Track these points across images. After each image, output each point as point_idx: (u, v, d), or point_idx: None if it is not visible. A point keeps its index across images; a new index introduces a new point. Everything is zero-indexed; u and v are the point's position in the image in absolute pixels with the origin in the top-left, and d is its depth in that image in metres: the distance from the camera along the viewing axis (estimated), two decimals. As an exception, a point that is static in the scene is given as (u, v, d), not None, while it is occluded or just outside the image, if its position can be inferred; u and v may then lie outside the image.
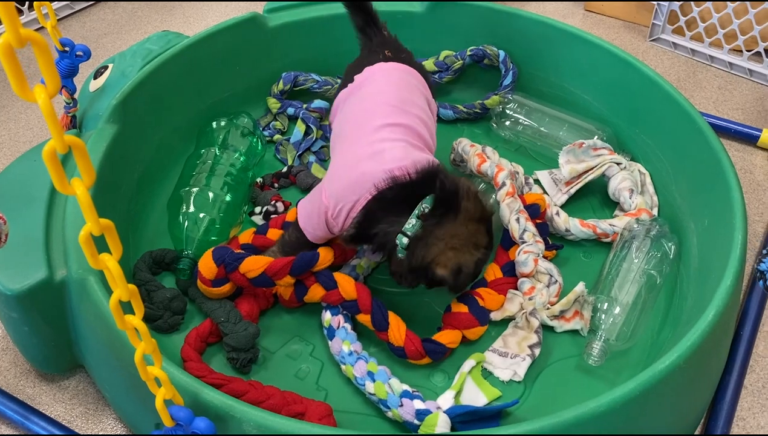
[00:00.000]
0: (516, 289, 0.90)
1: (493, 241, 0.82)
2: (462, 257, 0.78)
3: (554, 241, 0.97)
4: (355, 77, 0.92)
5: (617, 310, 0.84)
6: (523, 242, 0.91)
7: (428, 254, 0.77)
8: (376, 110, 0.86)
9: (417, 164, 0.79)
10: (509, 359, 0.83)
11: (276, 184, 1.08)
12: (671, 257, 0.90)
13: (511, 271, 0.91)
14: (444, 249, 0.77)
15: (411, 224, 0.77)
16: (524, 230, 0.92)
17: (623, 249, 0.91)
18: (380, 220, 0.79)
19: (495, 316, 0.88)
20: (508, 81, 1.17)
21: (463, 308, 0.86)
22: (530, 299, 0.88)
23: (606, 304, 0.84)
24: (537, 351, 0.84)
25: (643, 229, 0.92)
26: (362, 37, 1.00)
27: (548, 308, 0.87)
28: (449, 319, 0.86)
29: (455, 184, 0.79)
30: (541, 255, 0.91)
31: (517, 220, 0.92)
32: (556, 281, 0.90)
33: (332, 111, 0.95)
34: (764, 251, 0.74)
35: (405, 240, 0.77)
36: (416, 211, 0.77)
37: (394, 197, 0.78)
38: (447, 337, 0.84)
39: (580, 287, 0.87)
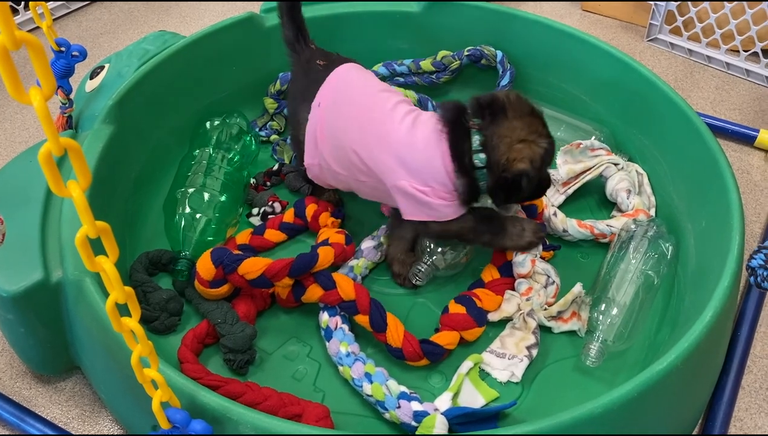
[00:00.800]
0: (513, 289, 0.90)
1: (550, 133, 0.83)
2: (533, 148, 0.80)
3: (552, 241, 0.97)
4: (322, 93, 0.89)
5: (615, 311, 0.84)
6: None
7: (501, 153, 0.80)
8: (377, 100, 0.86)
9: (443, 105, 0.83)
10: (507, 360, 0.83)
11: (268, 183, 1.08)
12: (668, 257, 0.90)
13: (507, 271, 0.91)
14: (513, 143, 0.80)
15: (476, 140, 0.80)
16: None
17: (621, 250, 0.91)
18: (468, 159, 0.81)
19: (492, 317, 0.87)
20: (505, 81, 1.16)
21: (461, 309, 0.86)
22: (527, 299, 0.88)
23: (603, 305, 0.84)
24: (534, 352, 0.84)
25: (641, 230, 0.92)
26: (292, 53, 0.98)
27: (546, 309, 0.87)
28: (447, 320, 0.85)
29: (489, 95, 0.82)
30: (538, 256, 0.91)
31: None
32: (554, 281, 0.89)
33: (308, 136, 0.90)
34: (756, 248, 0.74)
35: (482, 155, 0.80)
36: (471, 130, 0.80)
37: (456, 134, 0.80)
38: (445, 338, 0.83)
39: (578, 288, 0.87)
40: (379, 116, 0.85)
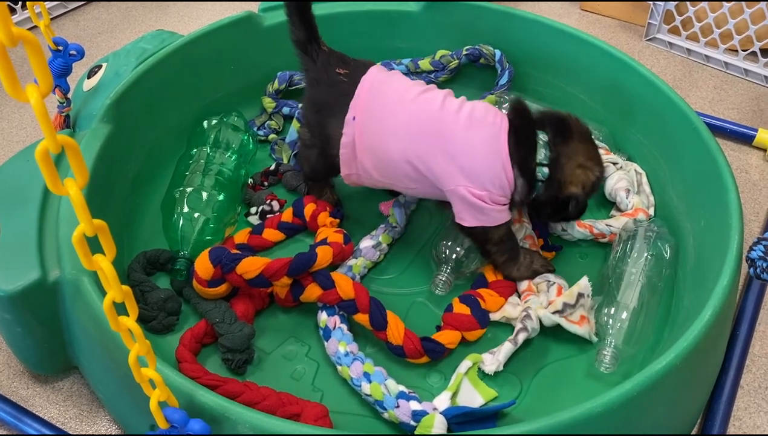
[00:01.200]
0: (518, 291, 0.90)
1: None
2: (587, 175, 0.84)
3: (552, 241, 0.97)
4: (355, 106, 0.85)
5: (624, 314, 0.83)
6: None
7: (562, 174, 0.83)
8: (421, 104, 0.84)
9: (512, 104, 0.85)
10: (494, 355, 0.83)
11: (266, 183, 1.08)
12: (668, 258, 0.90)
13: None
14: (573, 168, 0.84)
15: (542, 154, 0.83)
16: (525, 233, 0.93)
17: (623, 251, 0.90)
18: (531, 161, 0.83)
19: (493, 316, 0.87)
20: (504, 80, 1.16)
21: (466, 310, 0.85)
22: (526, 302, 0.87)
23: (612, 309, 0.84)
24: (520, 338, 0.83)
25: (641, 230, 0.91)
26: (303, 56, 0.92)
27: (548, 306, 0.86)
28: (450, 319, 0.85)
29: (557, 113, 0.86)
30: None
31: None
32: (554, 282, 0.89)
33: (344, 151, 0.87)
34: (755, 239, 0.74)
35: (546, 170, 0.83)
36: (541, 143, 0.83)
37: (523, 139, 0.83)
38: (447, 337, 0.83)
39: (584, 281, 0.85)
40: (429, 121, 0.83)
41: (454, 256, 0.91)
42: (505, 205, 0.83)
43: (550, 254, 0.95)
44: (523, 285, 0.89)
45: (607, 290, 0.87)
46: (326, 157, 0.90)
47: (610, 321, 0.83)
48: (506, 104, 1.13)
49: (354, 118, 0.85)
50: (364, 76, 0.87)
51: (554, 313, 0.84)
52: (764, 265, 0.73)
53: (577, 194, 0.84)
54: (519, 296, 0.90)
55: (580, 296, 0.85)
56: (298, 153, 1.01)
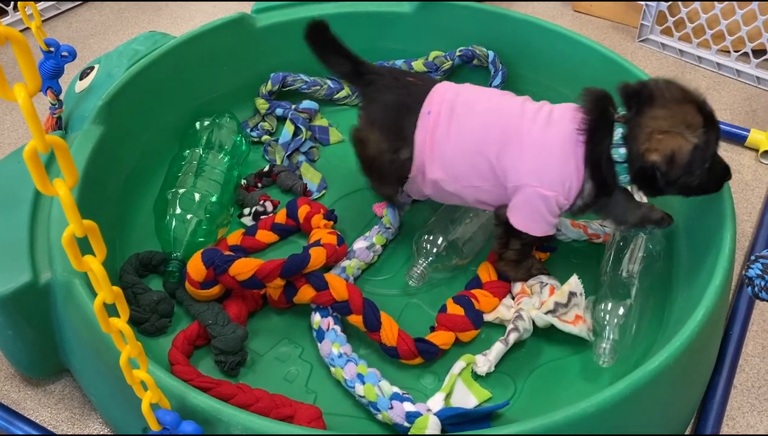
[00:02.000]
0: (511, 292, 0.90)
1: (713, 122, 0.77)
2: (673, 141, 0.75)
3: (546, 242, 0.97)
4: (430, 102, 0.85)
5: (621, 310, 0.83)
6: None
7: (638, 145, 0.76)
8: (501, 103, 0.85)
9: (587, 95, 0.81)
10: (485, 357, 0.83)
11: (259, 185, 1.07)
12: (659, 259, 0.90)
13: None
14: (650, 134, 0.75)
15: (617, 133, 0.78)
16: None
17: (616, 252, 0.90)
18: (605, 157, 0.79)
19: (486, 317, 0.87)
20: (497, 81, 1.16)
21: (460, 311, 0.85)
22: (519, 303, 0.87)
23: (610, 304, 0.84)
24: (512, 338, 0.83)
25: (634, 231, 0.91)
26: (359, 80, 0.91)
27: (541, 306, 0.86)
28: (444, 320, 0.85)
29: (639, 82, 0.79)
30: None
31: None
32: (547, 283, 0.88)
33: (417, 146, 0.85)
34: (752, 257, 0.74)
35: (622, 150, 0.78)
36: (615, 124, 0.78)
37: (596, 132, 0.79)
38: (440, 338, 0.83)
39: (574, 279, 0.85)
40: (506, 118, 0.83)
41: (434, 250, 0.91)
42: (559, 215, 0.83)
43: (545, 254, 0.95)
44: (517, 288, 0.89)
45: (602, 289, 0.87)
46: (397, 163, 0.87)
47: (607, 317, 0.83)
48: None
49: (429, 113, 0.84)
50: (436, 83, 0.87)
51: (547, 313, 0.83)
52: (762, 283, 0.72)
53: (656, 162, 0.75)
54: (513, 298, 0.90)
55: (572, 294, 0.84)
56: (365, 171, 0.93)
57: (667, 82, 0.79)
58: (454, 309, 0.86)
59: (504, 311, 0.87)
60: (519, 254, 0.88)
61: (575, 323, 0.84)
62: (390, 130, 0.87)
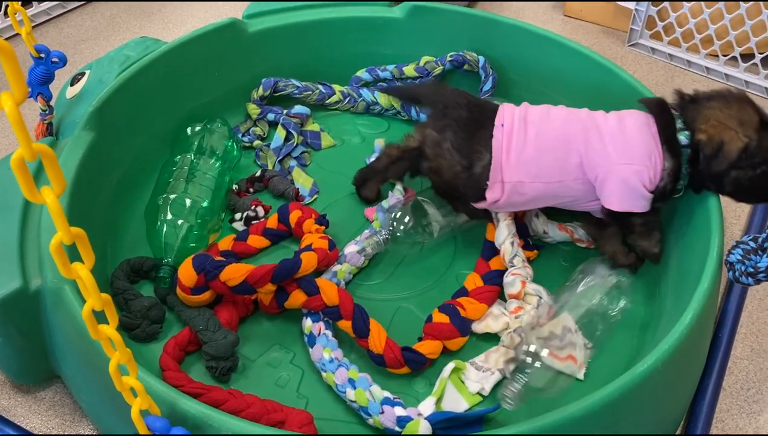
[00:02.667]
0: (498, 297, 0.90)
1: None
2: (726, 133, 0.82)
3: (534, 242, 0.98)
4: (502, 115, 0.90)
5: (545, 352, 0.77)
6: (512, 266, 0.90)
7: (697, 126, 0.84)
8: (568, 111, 0.92)
9: (644, 101, 0.90)
10: (482, 372, 0.83)
11: (251, 190, 1.07)
12: (615, 313, 0.86)
13: (491, 280, 0.91)
14: (708, 118, 0.83)
15: (678, 122, 0.86)
16: (515, 255, 0.91)
17: (573, 287, 0.87)
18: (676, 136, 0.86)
19: (476, 328, 0.87)
20: (488, 87, 1.17)
21: (445, 319, 0.85)
22: (516, 317, 0.86)
23: (534, 346, 0.78)
24: (511, 367, 0.81)
25: (600, 276, 0.88)
26: (427, 107, 0.98)
27: (535, 328, 0.84)
28: (430, 329, 0.85)
29: (693, 91, 0.88)
30: (529, 279, 0.89)
31: (512, 243, 0.92)
32: (547, 303, 0.87)
33: (495, 156, 0.88)
34: (733, 243, 0.75)
35: (687, 132, 0.85)
36: (676, 115, 0.86)
37: (664, 119, 0.86)
38: (428, 347, 0.83)
39: (570, 320, 0.84)
40: (581, 119, 0.89)
41: (402, 227, 0.93)
42: (652, 193, 0.86)
43: (532, 253, 0.95)
44: (512, 306, 0.87)
45: (540, 328, 0.81)
46: (474, 178, 0.90)
47: (529, 360, 0.77)
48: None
49: (502, 125, 0.89)
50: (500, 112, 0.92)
51: (539, 338, 0.80)
52: (742, 268, 0.74)
53: (702, 141, 0.83)
54: (504, 307, 0.89)
55: (566, 329, 0.82)
56: (443, 196, 0.96)
57: (720, 90, 0.87)
58: (440, 318, 0.86)
59: (492, 323, 0.87)
60: (645, 236, 0.90)
61: (564, 360, 0.81)
62: (464, 147, 0.90)
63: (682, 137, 0.85)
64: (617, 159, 0.85)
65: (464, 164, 0.90)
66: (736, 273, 0.74)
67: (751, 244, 0.74)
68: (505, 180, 0.88)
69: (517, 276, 0.88)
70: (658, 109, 0.87)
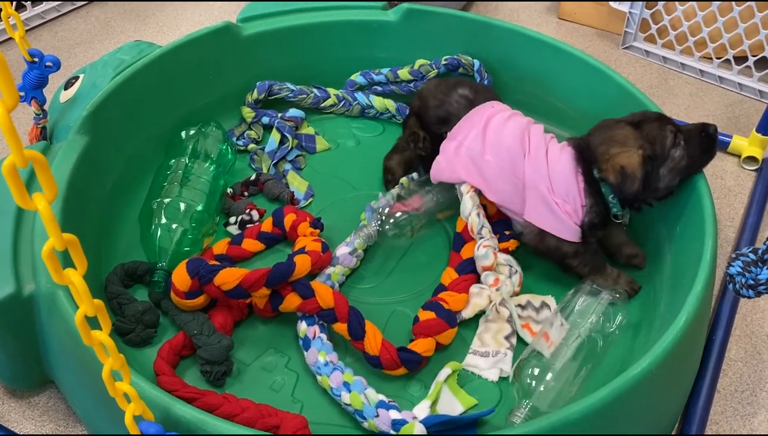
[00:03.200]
0: (478, 282, 0.91)
1: (652, 126, 0.88)
2: (619, 157, 0.86)
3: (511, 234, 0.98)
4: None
5: (549, 375, 0.78)
6: (481, 238, 0.92)
7: (596, 158, 0.88)
8: (515, 120, 0.96)
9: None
10: (491, 357, 0.84)
11: (246, 193, 1.07)
12: (615, 327, 0.86)
13: (465, 269, 0.92)
14: (600, 154, 0.88)
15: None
16: (482, 226, 0.93)
17: (569, 306, 0.87)
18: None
19: (467, 313, 0.88)
20: (482, 89, 1.17)
21: (431, 315, 0.86)
22: (497, 289, 0.88)
23: (538, 369, 0.78)
24: (514, 340, 0.85)
25: (594, 294, 0.87)
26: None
27: (513, 295, 0.89)
28: (419, 328, 0.85)
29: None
30: (497, 249, 0.92)
31: (478, 215, 0.93)
32: (516, 270, 0.91)
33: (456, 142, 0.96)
34: (733, 255, 0.75)
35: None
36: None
37: (583, 154, 0.90)
38: (422, 346, 0.83)
39: (551, 300, 0.89)
40: (523, 134, 0.94)
41: (392, 220, 0.95)
42: (574, 222, 0.89)
43: (511, 243, 0.95)
44: (490, 279, 0.89)
45: (534, 349, 0.81)
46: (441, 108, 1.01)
47: (534, 383, 0.77)
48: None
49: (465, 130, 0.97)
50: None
51: (517, 306, 0.86)
52: (743, 280, 0.73)
53: (605, 175, 0.87)
54: (482, 281, 0.91)
55: (545, 305, 0.86)
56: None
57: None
58: (426, 315, 0.86)
59: (479, 300, 0.88)
60: (585, 265, 0.91)
61: (534, 335, 0.85)
62: (445, 90, 1.03)
63: (595, 172, 0.89)
64: (541, 180, 0.89)
65: (440, 99, 1.01)
66: (737, 285, 0.73)
67: (751, 256, 0.73)
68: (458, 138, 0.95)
69: (489, 248, 0.90)
70: (577, 150, 0.90)
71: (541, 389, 0.77)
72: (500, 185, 0.92)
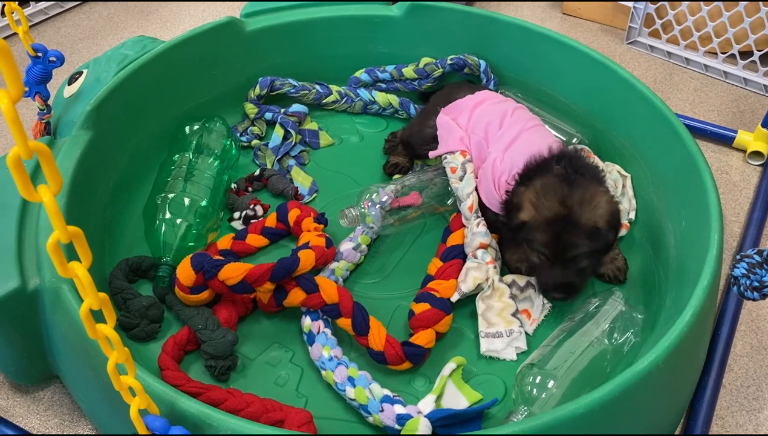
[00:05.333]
0: (461, 268, 0.91)
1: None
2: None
3: None
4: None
5: (551, 383, 0.76)
6: (478, 217, 0.93)
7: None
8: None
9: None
10: (506, 337, 0.85)
11: (250, 188, 1.07)
12: (624, 342, 0.83)
13: (449, 256, 0.92)
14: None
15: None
16: None
17: (582, 321, 0.84)
18: None
19: (466, 287, 0.87)
20: (488, 88, 1.17)
21: (426, 306, 0.85)
22: (494, 268, 0.89)
23: (539, 377, 0.76)
24: (521, 317, 0.87)
25: (612, 303, 0.86)
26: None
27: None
28: (417, 321, 0.85)
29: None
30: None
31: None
32: (500, 257, 0.93)
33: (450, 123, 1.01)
34: (737, 257, 0.75)
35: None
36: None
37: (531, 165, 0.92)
38: (423, 338, 0.83)
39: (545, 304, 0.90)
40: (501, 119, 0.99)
41: (377, 206, 0.94)
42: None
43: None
44: (487, 257, 0.90)
45: (543, 355, 0.80)
46: None
47: (534, 391, 0.76)
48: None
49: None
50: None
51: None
52: (747, 282, 0.73)
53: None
54: (479, 258, 0.91)
55: (530, 284, 0.88)
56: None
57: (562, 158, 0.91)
58: (420, 307, 0.86)
59: (476, 274, 0.88)
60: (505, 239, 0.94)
61: (531, 319, 0.88)
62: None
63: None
64: (496, 154, 0.93)
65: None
66: (741, 288, 0.73)
67: (756, 257, 0.73)
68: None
69: (486, 227, 0.92)
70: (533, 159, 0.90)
71: (542, 396, 0.76)
72: (477, 163, 0.96)
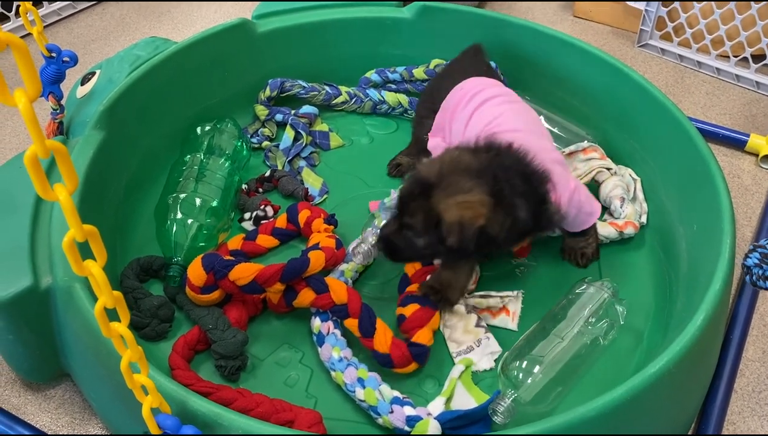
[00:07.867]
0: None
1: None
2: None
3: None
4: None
5: (536, 368, 0.77)
6: None
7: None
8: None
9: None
10: (477, 348, 0.85)
11: (260, 189, 1.07)
12: (606, 340, 0.84)
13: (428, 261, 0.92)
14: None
15: None
16: None
17: (566, 307, 0.85)
18: None
19: (475, 302, 0.89)
20: (497, 87, 1.16)
21: (415, 306, 0.86)
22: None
23: (526, 362, 0.77)
24: (484, 323, 0.87)
25: (594, 291, 0.86)
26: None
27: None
28: (411, 323, 0.84)
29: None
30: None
31: None
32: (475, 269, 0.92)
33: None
34: (750, 247, 0.74)
35: None
36: None
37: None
38: (423, 336, 0.83)
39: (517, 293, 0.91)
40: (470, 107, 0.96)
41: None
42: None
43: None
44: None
45: (527, 340, 0.81)
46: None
47: (521, 375, 0.77)
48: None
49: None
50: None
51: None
52: (760, 272, 0.73)
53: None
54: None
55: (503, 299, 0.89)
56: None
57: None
58: (410, 309, 0.85)
59: (483, 300, 0.90)
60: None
61: (497, 315, 0.89)
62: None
63: None
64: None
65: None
66: (753, 277, 0.73)
67: None
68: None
69: None
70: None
71: (528, 381, 0.76)
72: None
